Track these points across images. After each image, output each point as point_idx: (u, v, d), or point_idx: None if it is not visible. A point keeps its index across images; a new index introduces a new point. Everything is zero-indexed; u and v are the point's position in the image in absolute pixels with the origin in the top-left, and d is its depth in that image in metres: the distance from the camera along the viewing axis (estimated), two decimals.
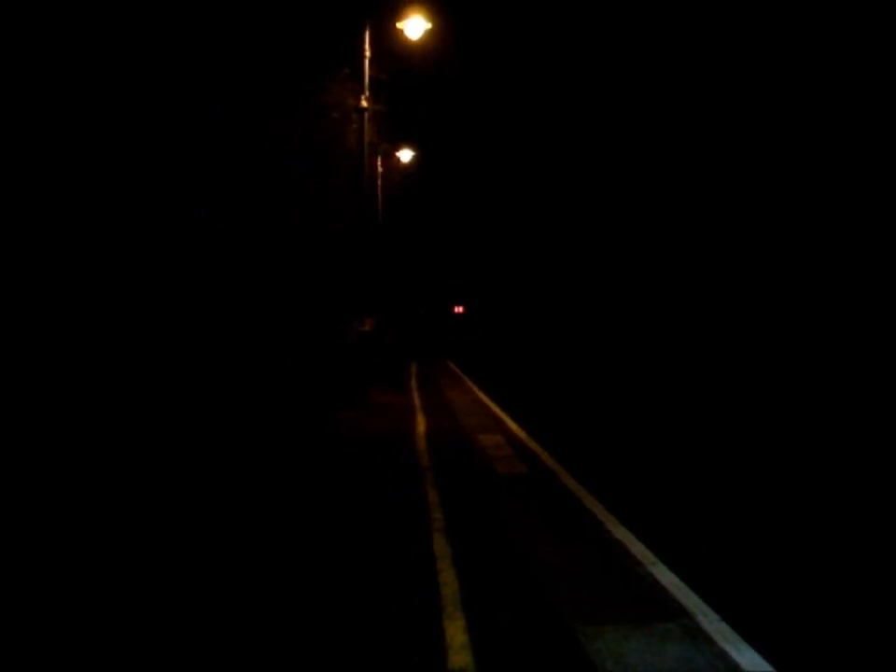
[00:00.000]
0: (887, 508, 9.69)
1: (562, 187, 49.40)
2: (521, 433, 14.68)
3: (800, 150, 28.70)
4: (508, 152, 53.91)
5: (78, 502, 8.59)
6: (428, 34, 18.24)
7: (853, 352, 23.19)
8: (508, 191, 55.67)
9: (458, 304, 60.32)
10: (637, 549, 7.35)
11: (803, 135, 28.59)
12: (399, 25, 17.96)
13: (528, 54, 52.69)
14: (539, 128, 50.40)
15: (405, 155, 29.29)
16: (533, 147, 51.55)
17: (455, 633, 5.45)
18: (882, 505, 9.83)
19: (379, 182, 27.54)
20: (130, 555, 7.02)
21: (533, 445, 13.29)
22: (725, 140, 32.97)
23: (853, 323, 24.46)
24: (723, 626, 5.59)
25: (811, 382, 21.80)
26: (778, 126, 29.83)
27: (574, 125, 46.15)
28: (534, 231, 54.35)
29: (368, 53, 18.98)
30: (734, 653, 5.18)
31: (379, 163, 27.14)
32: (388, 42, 19.61)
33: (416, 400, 20.59)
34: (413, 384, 26.31)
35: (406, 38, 18.19)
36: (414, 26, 17.80)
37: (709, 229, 33.89)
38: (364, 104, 18.89)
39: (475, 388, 24.58)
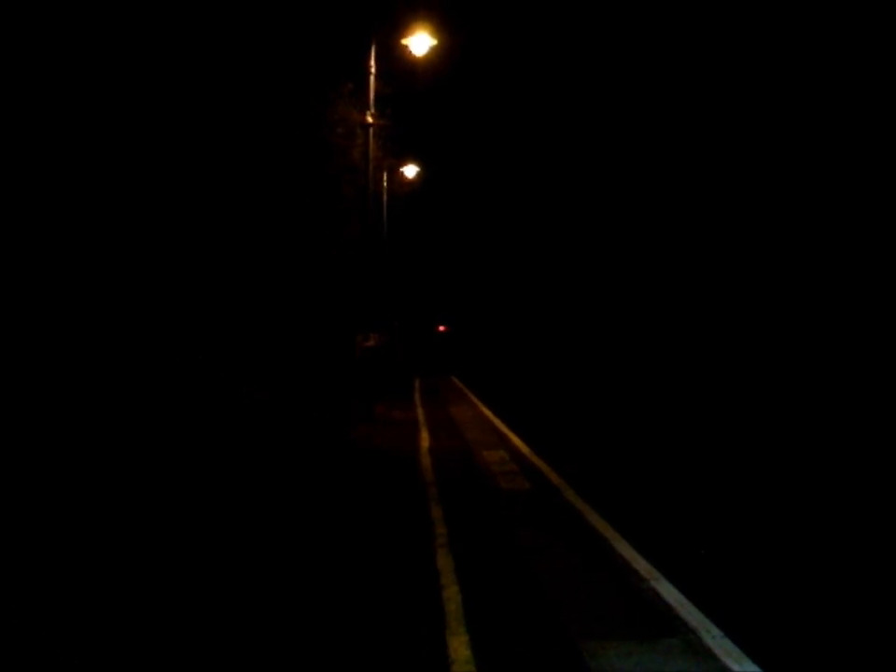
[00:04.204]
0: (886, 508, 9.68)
1: (560, 196, 49.60)
2: (525, 449, 14.68)
3: (800, 150, 28.74)
4: (507, 162, 54.34)
5: (90, 502, 8.62)
6: (434, 50, 18.30)
7: (853, 351, 23.17)
8: (505, 199, 56.07)
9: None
10: (641, 565, 7.35)
11: (803, 135, 28.64)
12: (404, 42, 18.02)
13: (530, 73, 52.93)
14: (537, 139, 50.71)
15: (410, 171, 29.39)
16: (531, 157, 51.89)
17: (459, 647, 5.46)
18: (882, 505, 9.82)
19: (384, 197, 27.65)
20: (136, 554, 7.05)
21: (537, 461, 13.30)
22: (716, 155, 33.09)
23: (853, 322, 24.43)
24: (726, 642, 5.59)
25: (809, 382, 21.77)
26: (778, 126, 29.89)
27: (574, 140, 46.35)
28: (527, 241, 54.63)
29: (373, 69, 19.08)
30: (736, 668, 5.18)
31: (384, 178, 27.24)
32: (394, 57, 19.69)
33: (421, 416, 20.62)
34: (417, 398, 26.33)
35: (411, 54, 18.26)
36: (420, 43, 17.87)
37: (702, 246, 34.00)
38: (369, 119, 18.98)
39: (478, 402, 24.59)
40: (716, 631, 5.78)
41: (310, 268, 19.20)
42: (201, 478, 10.31)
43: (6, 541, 7.27)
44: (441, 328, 59.27)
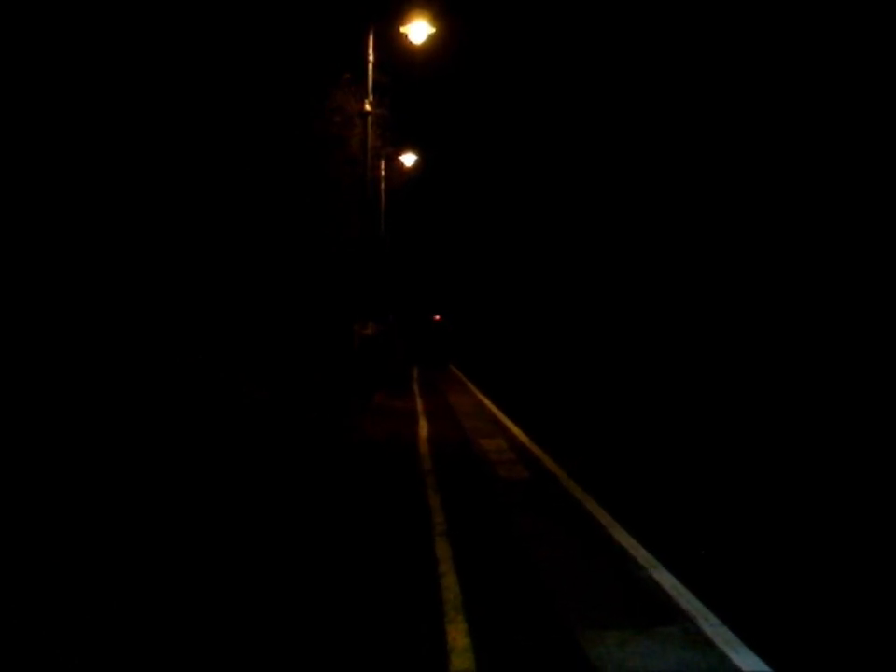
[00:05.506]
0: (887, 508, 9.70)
1: (559, 185, 49.52)
2: (523, 437, 14.69)
3: (800, 150, 28.70)
4: (504, 155, 54.33)
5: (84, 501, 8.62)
6: (432, 37, 18.16)
7: (853, 351, 23.16)
8: (503, 188, 56.05)
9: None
10: (640, 553, 7.36)
11: (803, 135, 28.60)
12: (402, 30, 17.89)
13: (529, 62, 52.84)
14: (535, 134, 50.64)
15: (408, 159, 29.28)
16: (529, 151, 51.84)
17: (457, 636, 5.46)
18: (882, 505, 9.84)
19: (382, 186, 27.56)
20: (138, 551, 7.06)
21: (535, 450, 13.30)
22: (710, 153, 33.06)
23: (853, 322, 24.42)
24: (724, 630, 5.60)
25: (809, 381, 21.76)
26: (778, 126, 29.84)
27: (573, 129, 46.21)
28: (525, 229, 54.59)
29: (371, 58, 18.99)
30: (734, 656, 5.19)
31: (382, 167, 27.15)
32: (392, 46, 19.58)
33: (419, 405, 20.62)
34: (416, 387, 26.34)
35: (410, 42, 18.13)
36: (418, 30, 17.75)
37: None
38: (367, 108, 18.90)
39: (477, 391, 24.61)
40: (714, 619, 5.78)
41: (308, 262, 19.19)
42: (201, 477, 10.30)
43: (6, 541, 7.27)
44: (437, 317, 59.26)
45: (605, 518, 8.68)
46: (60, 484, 8.94)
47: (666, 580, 6.63)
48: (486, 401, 21.69)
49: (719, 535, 8.90)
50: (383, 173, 27.34)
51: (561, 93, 47.30)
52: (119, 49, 12.83)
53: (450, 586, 6.43)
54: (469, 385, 28.12)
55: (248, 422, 13.50)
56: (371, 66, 18.93)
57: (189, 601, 6.09)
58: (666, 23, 36.82)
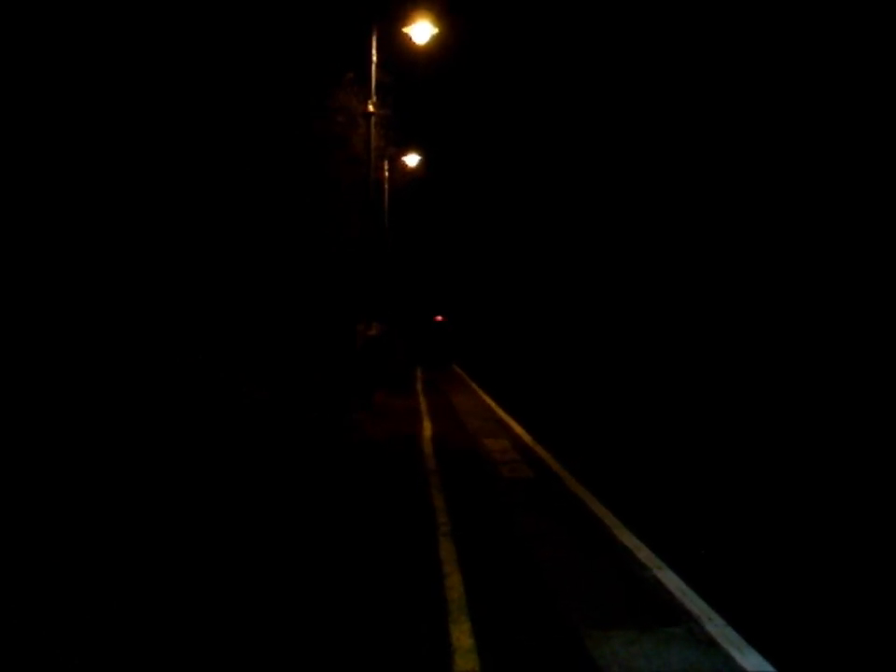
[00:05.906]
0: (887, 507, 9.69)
1: (561, 184, 49.50)
2: (527, 437, 14.69)
3: (800, 150, 28.67)
4: (505, 152, 54.40)
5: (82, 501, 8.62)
6: (436, 38, 18.10)
7: (853, 351, 23.13)
8: (505, 187, 56.08)
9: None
10: (644, 554, 7.36)
11: (803, 135, 28.57)
12: (405, 30, 17.84)
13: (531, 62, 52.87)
14: (536, 131, 50.66)
15: (411, 159, 29.26)
16: (529, 148, 51.86)
17: (461, 636, 5.47)
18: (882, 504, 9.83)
19: (385, 186, 27.56)
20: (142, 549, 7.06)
21: (539, 450, 13.30)
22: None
23: (853, 322, 24.39)
24: (728, 630, 5.60)
25: (809, 381, 21.74)
26: (778, 126, 29.81)
27: (575, 133, 46.19)
28: (527, 229, 54.58)
29: (374, 58, 18.96)
30: (738, 657, 5.19)
31: (386, 167, 27.15)
32: (395, 45, 19.55)
33: (422, 404, 20.62)
34: (419, 387, 26.33)
35: (413, 42, 18.07)
36: (421, 31, 17.70)
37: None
38: (371, 108, 18.88)
39: (480, 391, 24.61)
40: (718, 620, 5.79)
41: (310, 262, 19.20)
42: (202, 477, 10.30)
43: (6, 541, 7.28)
44: (439, 317, 59.23)
45: (608, 518, 8.68)
46: (61, 484, 8.96)
47: (671, 580, 6.63)
48: (489, 401, 21.68)
49: (722, 535, 8.90)
50: (386, 173, 27.34)
51: (563, 93, 47.26)
52: (120, 47, 12.85)
53: (454, 586, 6.43)
54: (472, 384, 28.11)
55: (248, 422, 13.50)
56: (374, 66, 18.89)
57: (190, 601, 6.10)
58: (667, 22, 36.79)
